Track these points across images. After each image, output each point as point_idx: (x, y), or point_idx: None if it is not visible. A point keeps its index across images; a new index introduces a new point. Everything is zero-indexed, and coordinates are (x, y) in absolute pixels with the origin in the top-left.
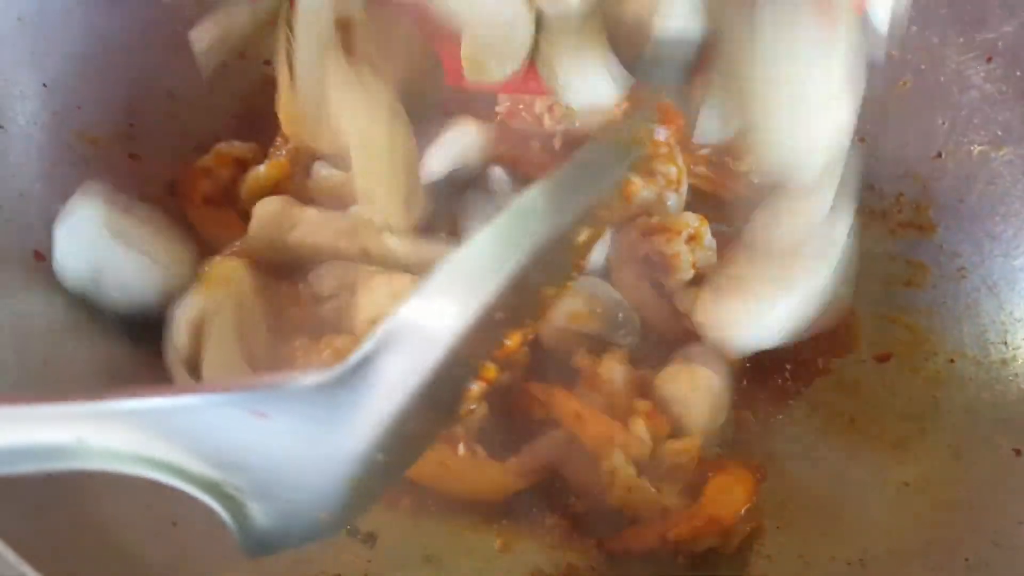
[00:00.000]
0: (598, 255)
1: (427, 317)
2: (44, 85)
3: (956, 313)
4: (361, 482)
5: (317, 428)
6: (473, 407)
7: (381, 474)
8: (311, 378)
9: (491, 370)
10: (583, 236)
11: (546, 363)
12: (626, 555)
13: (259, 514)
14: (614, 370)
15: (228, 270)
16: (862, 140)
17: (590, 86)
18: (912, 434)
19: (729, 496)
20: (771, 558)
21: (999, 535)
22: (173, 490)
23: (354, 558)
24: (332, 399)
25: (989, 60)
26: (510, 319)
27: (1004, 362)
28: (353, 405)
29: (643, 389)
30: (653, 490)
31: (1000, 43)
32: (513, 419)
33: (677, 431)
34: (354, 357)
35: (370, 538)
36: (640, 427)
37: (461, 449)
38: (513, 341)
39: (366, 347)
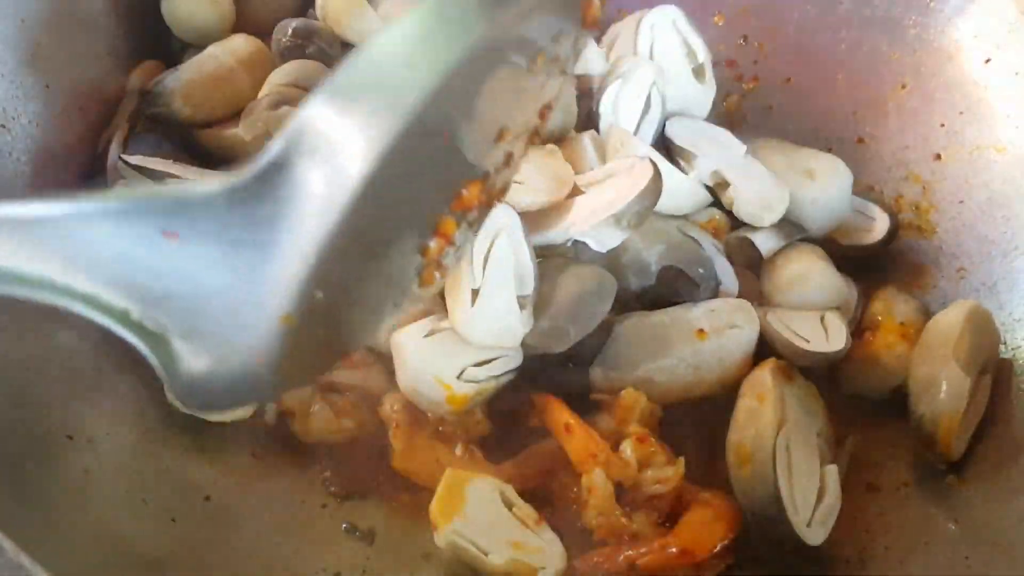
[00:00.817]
0: None
1: (337, 126)
2: (47, 87)
3: None
4: (300, 329)
5: (237, 253)
6: (438, 280)
7: (322, 324)
8: (217, 184)
9: (449, 224)
10: (540, 65)
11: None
12: None
13: (187, 355)
14: (638, 400)
15: None
16: (861, 141)
17: None
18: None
19: (705, 530)
20: None
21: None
22: (171, 486)
23: (352, 555)
24: (249, 216)
25: (988, 62)
26: (462, 164)
27: (1004, 362)
28: (273, 223)
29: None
30: (621, 514)
31: (998, 45)
32: (513, 425)
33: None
34: (262, 159)
35: (368, 535)
36: (628, 449)
37: (458, 450)
38: (471, 193)
39: (274, 149)
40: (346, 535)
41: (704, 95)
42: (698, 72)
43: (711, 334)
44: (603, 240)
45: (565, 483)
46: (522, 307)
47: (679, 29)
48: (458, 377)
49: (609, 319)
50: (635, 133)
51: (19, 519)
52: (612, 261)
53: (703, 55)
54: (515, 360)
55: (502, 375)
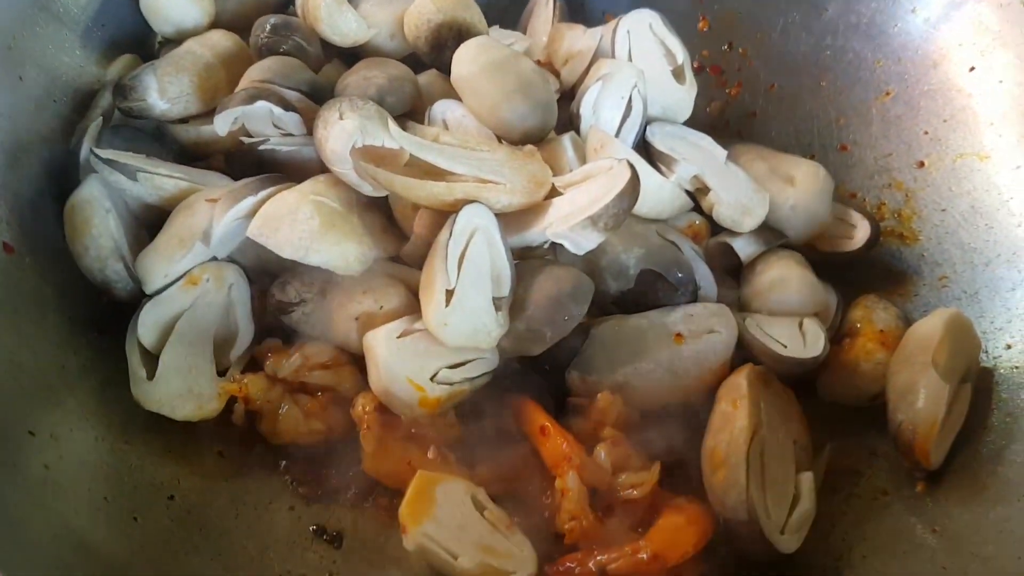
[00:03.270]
0: None
1: None
2: (20, 78)
3: None
4: None
5: None
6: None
7: None
8: None
9: None
10: None
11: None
12: None
13: None
14: (613, 403)
15: (214, 271)
16: (844, 148)
17: None
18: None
19: (679, 535)
20: None
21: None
22: (134, 485)
23: (320, 558)
24: None
25: (972, 70)
26: None
27: (985, 371)
28: None
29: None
30: (594, 517)
31: (983, 53)
32: (486, 429)
33: (639, 465)
34: None
35: (336, 538)
36: (603, 453)
37: (431, 453)
38: None
39: None
40: (314, 538)
41: (685, 96)
42: (677, 73)
43: (688, 339)
44: (580, 242)
45: (538, 487)
46: (497, 308)
47: (655, 32)
48: (432, 379)
49: (587, 322)
50: (616, 135)
51: None
52: (590, 264)
53: (681, 56)
54: (490, 362)
55: (477, 377)
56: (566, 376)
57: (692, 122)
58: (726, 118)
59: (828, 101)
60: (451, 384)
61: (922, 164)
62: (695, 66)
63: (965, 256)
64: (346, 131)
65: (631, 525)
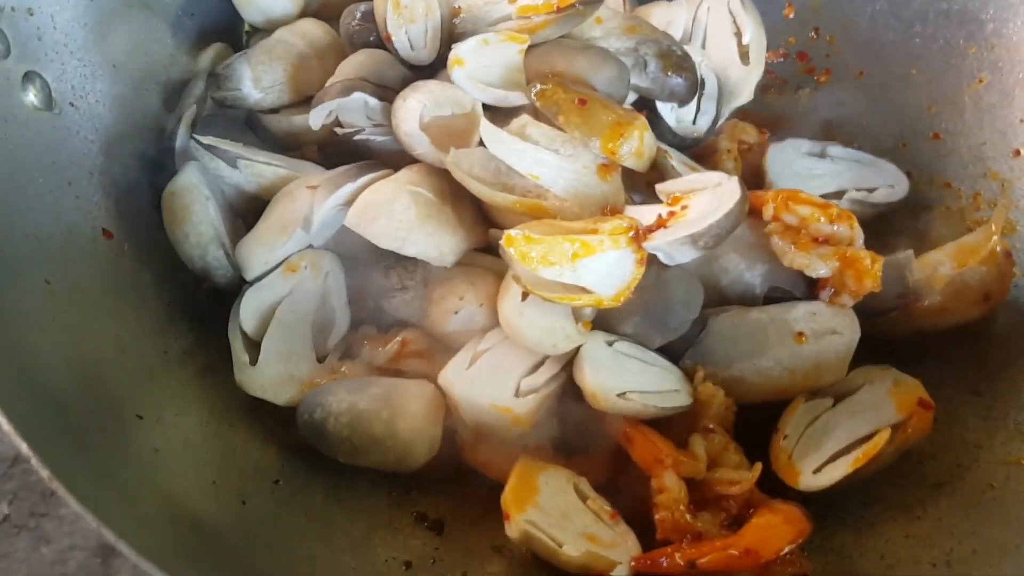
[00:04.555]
0: None
1: None
2: (114, 66)
3: None
4: None
5: None
6: None
7: None
8: None
9: None
10: None
11: None
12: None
13: None
14: (715, 395)
15: (311, 259)
16: (937, 137)
17: None
18: None
19: (773, 533)
20: None
21: None
22: (240, 468)
23: (423, 545)
24: None
25: None
26: None
27: None
28: None
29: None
30: (686, 510)
31: None
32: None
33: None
34: None
35: (437, 525)
36: (699, 445)
37: (529, 442)
38: None
39: None
40: (415, 524)
41: (746, 76)
42: (744, 53)
43: (810, 338)
44: (675, 256)
45: (635, 477)
46: (578, 319)
47: (731, 9)
48: (516, 395)
49: (705, 312)
50: (697, 110)
51: (98, 496)
52: (711, 283)
53: (749, 36)
54: (563, 357)
55: (559, 372)
56: (679, 365)
57: (781, 108)
58: (814, 105)
59: (919, 89)
60: (537, 390)
61: (1018, 153)
62: (781, 53)
63: None
64: (409, 108)
65: (724, 521)
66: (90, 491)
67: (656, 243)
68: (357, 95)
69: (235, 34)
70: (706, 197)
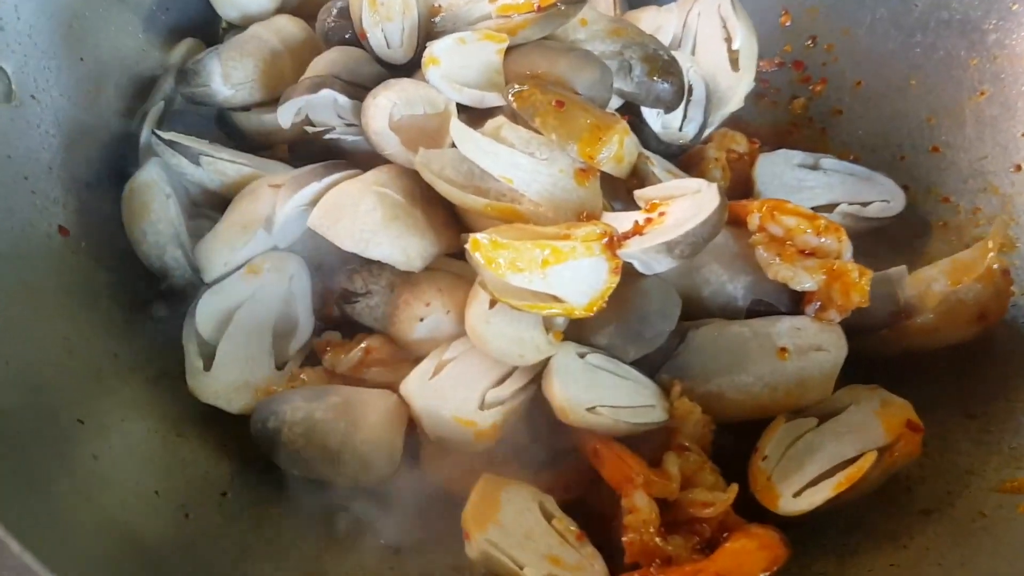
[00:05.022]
0: None
1: None
2: (81, 59)
3: None
4: None
5: None
6: None
7: None
8: None
9: None
10: None
11: None
12: None
13: None
14: (692, 412)
15: (275, 261)
16: (936, 150)
17: None
18: None
19: (746, 559)
20: None
21: None
22: (187, 479)
23: (378, 563)
24: None
25: None
26: None
27: None
28: None
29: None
30: (656, 533)
31: None
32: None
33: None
34: None
35: (396, 544)
36: (672, 464)
37: (495, 456)
38: None
39: None
40: (372, 543)
41: (735, 83)
42: (734, 60)
43: (794, 354)
44: (651, 265)
45: (606, 497)
46: (549, 328)
47: (722, 14)
48: (480, 408)
49: (684, 325)
50: (684, 116)
51: (24, 510)
52: (691, 294)
53: (740, 41)
54: (536, 366)
55: (527, 385)
56: (655, 379)
57: (774, 118)
58: (809, 115)
59: (918, 100)
60: (503, 402)
61: (1019, 168)
62: (776, 61)
63: None
64: (379, 106)
65: (697, 545)
66: (17, 507)
67: (631, 250)
68: (326, 92)
69: (212, 31)
70: (684, 204)
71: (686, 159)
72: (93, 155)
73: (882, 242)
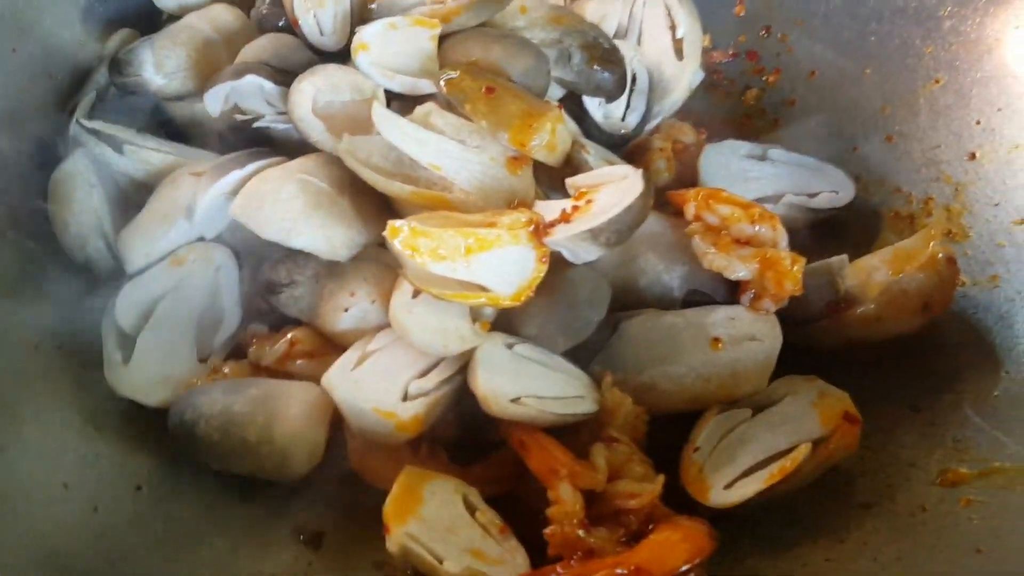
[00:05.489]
0: None
1: None
2: (13, 50)
3: (987, 324)
4: None
5: None
6: None
7: None
8: None
9: None
10: None
11: None
12: None
13: None
14: (622, 403)
15: (201, 252)
16: (890, 139)
17: None
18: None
19: (669, 551)
20: None
21: None
22: (99, 473)
23: (295, 560)
24: None
25: None
26: None
27: None
28: None
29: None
30: (578, 525)
31: None
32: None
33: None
34: None
35: (315, 539)
36: (599, 455)
37: (422, 449)
38: None
39: None
40: (291, 538)
41: (678, 72)
42: (678, 48)
43: (728, 344)
44: (579, 254)
45: (537, 489)
46: (475, 319)
47: (667, 2)
48: (403, 399)
49: (617, 315)
50: (627, 106)
51: None
52: (628, 284)
53: (684, 30)
54: (460, 358)
55: (453, 375)
56: (588, 370)
57: (727, 109)
58: (763, 106)
59: (873, 89)
60: (426, 394)
61: (973, 156)
62: (730, 52)
63: (1020, 254)
64: (303, 92)
65: (622, 537)
66: None
67: (557, 238)
68: (250, 78)
69: (153, 22)
70: (610, 191)
71: (631, 149)
72: (25, 147)
73: (833, 233)
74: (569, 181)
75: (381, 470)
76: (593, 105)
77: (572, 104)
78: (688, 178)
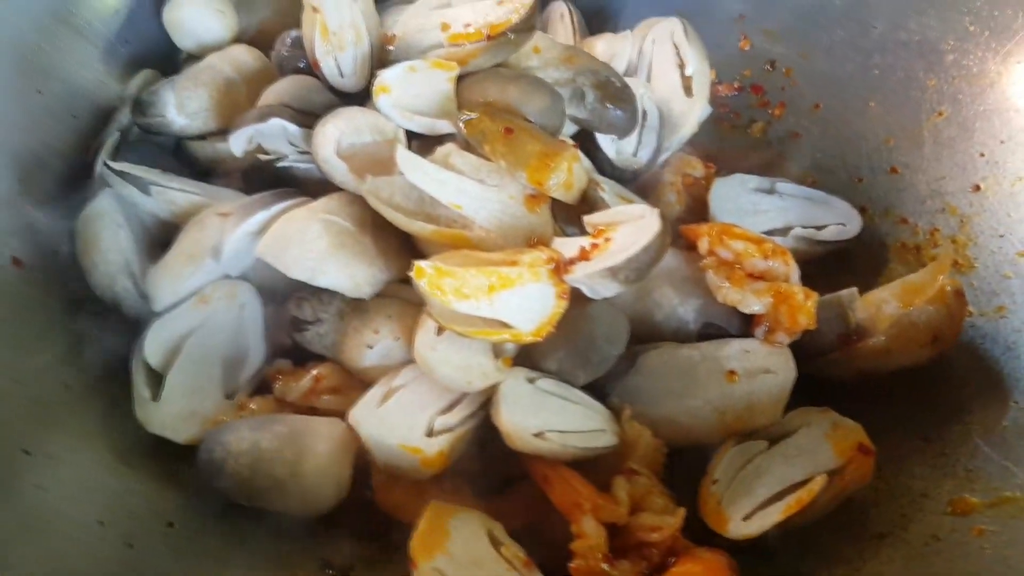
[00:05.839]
0: None
1: None
2: (38, 92)
3: (994, 354)
4: None
5: None
6: None
7: None
8: None
9: None
10: None
11: None
12: None
13: None
14: (641, 435)
15: (226, 290)
16: (895, 171)
17: None
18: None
19: None
20: None
21: None
22: (132, 509)
23: None
24: None
25: None
26: None
27: None
28: None
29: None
30: (603, 559)
31: None
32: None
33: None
34: None
35: (343, 572)
36: (621, 488)
37: (445, 483)
38: None
39: None
40: (319, 572)
41: (687, 109)
42: (687, 86)
43: (743, 377)
44: (598, 291)
45: (558, 523)
46: (498, 355)
47: (675, 40)
48: (428, 435)
49: (634, 349)
50: (638, 142)
51: None
52: (645, 318)
53: (693, 68)
54: (482, 393)
55: (476, 411)
56: (607, 403)
57: (734, 142)
58: (768, 139)
59: (877, 122)
60: (451, 429)
61: (978, 188)
62: (735, 86)
63: None
64: (327, 134)
65: (645, 570)
66: None
67: (577, 276)
68: (275, 121)
69: (172, 62)
70: (628, 230)
71: (642, 184)
72: (49, 187)
73: (841, 264)
74: (587, 219)
75: (406, 504)
76: (606, 142)
77: (585, 140)
78: (698, 211)
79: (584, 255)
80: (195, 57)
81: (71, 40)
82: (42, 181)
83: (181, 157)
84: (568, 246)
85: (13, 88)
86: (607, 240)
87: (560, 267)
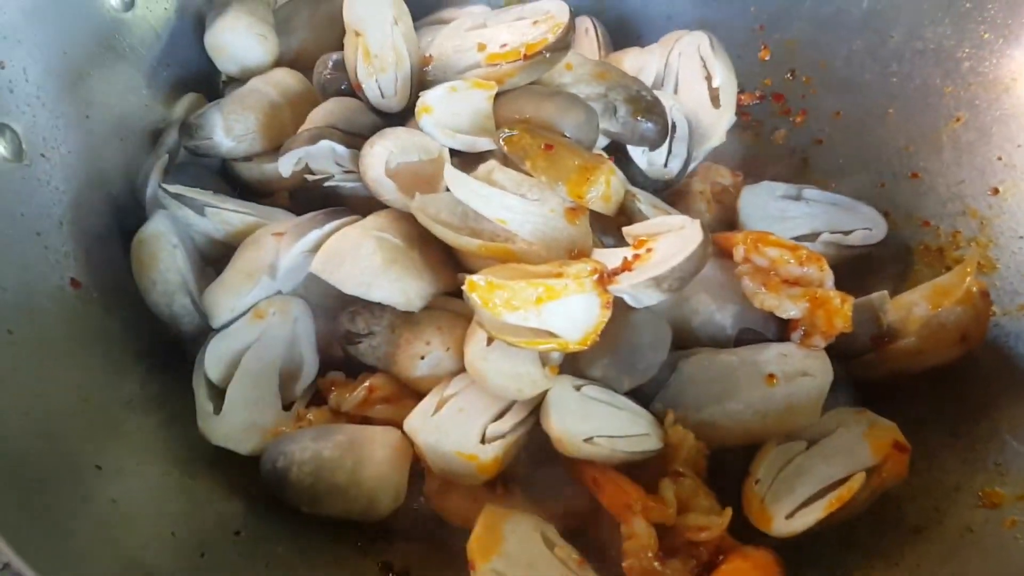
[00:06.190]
0: None
1: None
2: (87, 116)
3: (1019, 352)
4: None
5: None
6: None
7: None
8: None
9: None
10: None
11: None
12: None
13: None
14: (685, 438)
15: (280, 305)
16: (915, 176)
17: None
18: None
19: None
20: None
21: None
22: (201, 519)
23: None
24: None
25: None
26: None
27: None
28: None
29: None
30: (654, 558)
31: None
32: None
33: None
34: None
35: (403, 574)
36: (668, 490)
37: (498, 488)
38: None
39: None
40: (381, 574)
41: (716, 120)
42: (714, 96)
43: (781, 380)
44: (641, 299)
45: (606, 524)
46: (545, 363)
47: (702, 53)
48: (482, 441)
49: (675, 355)
50: (668, 153)
51: (51, 554)
52: (682, 325)
53: (720, 80)
54: (531, 401)
55: (527, 417)
56: (650, 408)
57: (757, 150)
58: (791, 146)
59: (896, 128)
60: (503, 436)
61: (996, 191)
62: (757, 95)
63: None
64: (376, 155)
65: (695, 569)
66: (44, 551)
67: (621, 286)
68: (324, 143)
69: (212, 84)
70: (669, 240)
71: (673, 193)
72: (102, 208)
73: (867, 268)
74: (627, 230)
75: (461, 509)
76: (638, 153)
77: (617, 153)
78: (727, 218)
79: (627, 265)
80: (235, 80)
81: (115, 65)
82: (94, 204)
83: (227, 178)
84: (610, 257)
85: (63, 113)
86: (648, 250)
87: (604, 278)
